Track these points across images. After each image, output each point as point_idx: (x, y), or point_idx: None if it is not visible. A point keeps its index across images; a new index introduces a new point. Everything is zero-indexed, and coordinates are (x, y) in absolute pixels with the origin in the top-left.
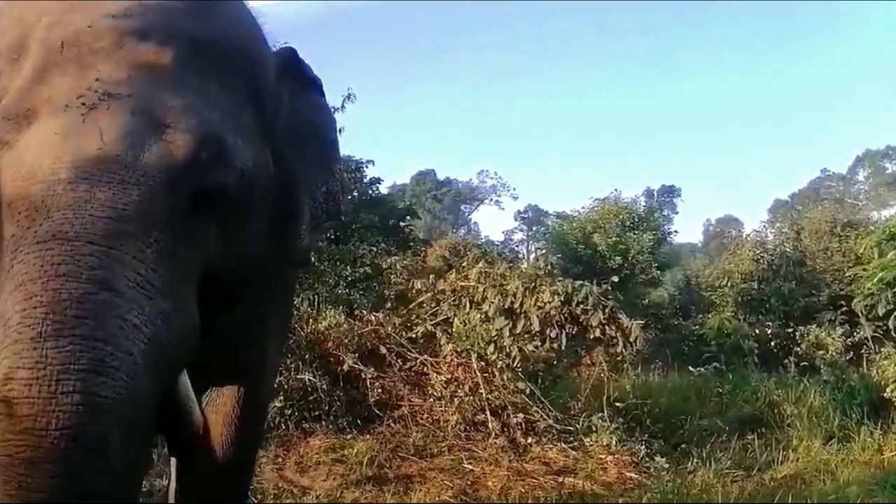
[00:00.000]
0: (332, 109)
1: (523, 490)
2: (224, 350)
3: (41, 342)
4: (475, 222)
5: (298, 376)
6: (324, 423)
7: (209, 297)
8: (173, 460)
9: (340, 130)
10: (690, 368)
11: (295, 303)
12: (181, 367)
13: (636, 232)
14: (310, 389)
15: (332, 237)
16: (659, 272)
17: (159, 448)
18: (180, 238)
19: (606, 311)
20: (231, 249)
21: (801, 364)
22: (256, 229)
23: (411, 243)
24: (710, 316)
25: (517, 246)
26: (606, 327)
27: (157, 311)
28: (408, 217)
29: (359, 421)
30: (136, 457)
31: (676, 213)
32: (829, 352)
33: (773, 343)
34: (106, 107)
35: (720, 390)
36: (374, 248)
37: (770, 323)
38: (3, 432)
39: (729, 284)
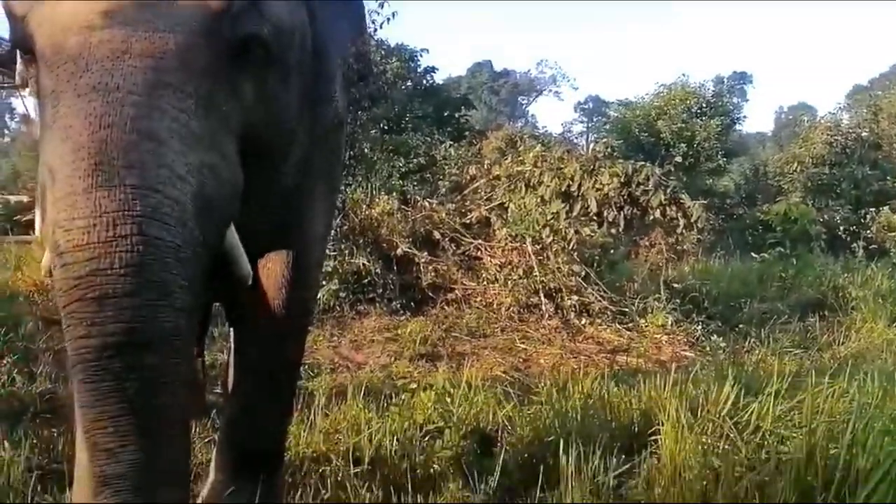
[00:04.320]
0: None
1: (575, 367)
2: (271, 219)
3: (93, 192)
4: (533, 115)
5: (353, 260)
6: (378, 304)
7: (252, 157)
8: (231, 332)
9: (393, 15)
10: (753, 255)
11: (345, 187)
12: (228, 220)
13: (703, 118)
14: (364, 273)
15: (385, 127)
16: (725, 160)
17: (219, 326)
18: (218, 89)
19: (668, 191)
20: (270, 105)
21: (870, 248)
22: (295, 86)
23: (466, 134)
24: (776, 202)
25: (576, 138)
26: (667, 209)
27: (200, 162)
28: (463, 107)
29: (412, 303)
30: (194, 305)
31: (747, 100)
32: None
33: (841, 228)
34: None
35: (783, 275)
36: (429, 139)
37: (839, 208)
38: (62, 281)
39: (798, 170)
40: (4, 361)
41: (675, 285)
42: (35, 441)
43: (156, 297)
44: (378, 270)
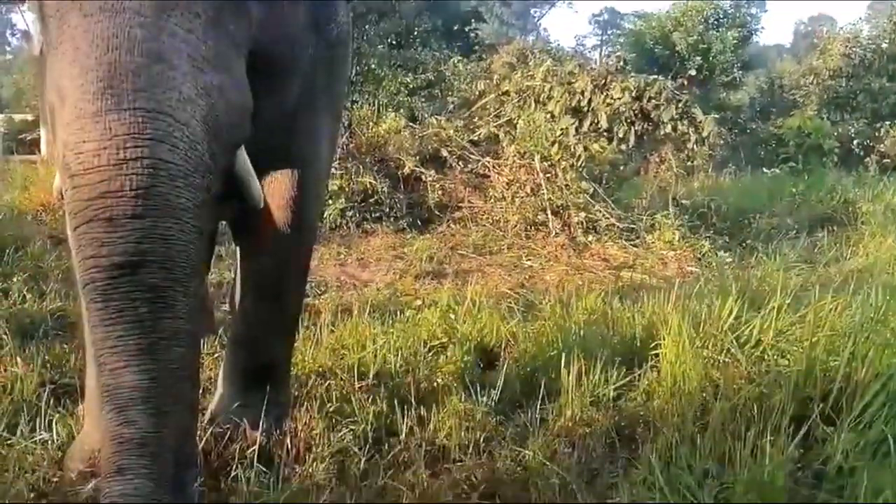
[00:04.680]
0: None
1: (580, 283)
2: (276, 138)
3: (103, 116)
4: (545, 28)
5: (359, 179)
6: (384, 223)
7: (258, 77)
8: (237, 250)
9: None
10: (764, 170)
11: (351, 104)
12: (238, 142)
13: (720, 30)
14: (370, 191)
15: (393, 42)
16: (741, 73)
17: (226, 245)
18: (226, 8)
19: (680, 106)
20: (276, 23)
21: (883, 162)
22: (300, 2)
23: (476, 48)
24: (791, 116)
25: (590, 52)
26: (678, 123)
27: (209, 84)
28: (473, 21)
29: (419, 222)
30: (204, 227)
31: (765, 10)
32: None
33: (855, 142)
34: None
35: (794, 190)
36: (437, 54)
37: (854, 122)
38: (73, 203)
39: (815, 82)
40: (14, 280)
41: (684, 201)
42: (47, 357)
43: (166, 220)
44: (385, 189)
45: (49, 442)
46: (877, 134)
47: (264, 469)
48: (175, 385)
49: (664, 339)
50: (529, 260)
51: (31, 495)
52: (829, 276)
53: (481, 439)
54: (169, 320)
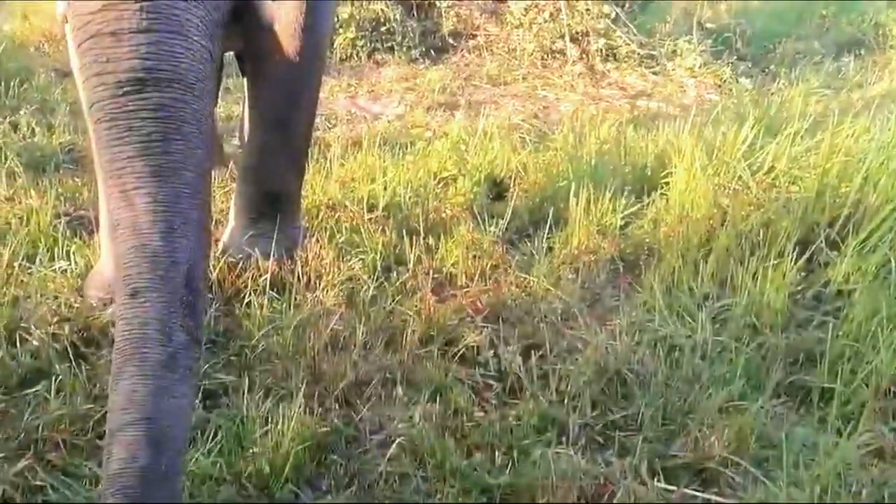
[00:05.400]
0: None
1: (595, 113)
2: None
3: None
4: None
5: (370, 6)
6: (396, 53)
7: None
8: (245, 82)
9: None
10: None
11: None
12: None
13: None
14: (382, 20)
15: None
16: None
17: (233, 77)
18: None
19: None
20: None
21: None
22: None
23: None
24: None
25: None
26: None
27: None
28: None
29: (432, 51)
30: (213, 50)
31: None
32: None
33: None
34: None
35: (824, 12)
36: None
37: None
38: (75, 18)
39: None
40: (22, 113)
41: (709, 25)
42: (60, 190)
43: (173, 35)
44: (397, 17)
45: (68, 270)
46: None
47: (277, 295)
48: (186, 209)
49: (675, 167)
50: (545, 90)
51: (54, 319)
52: (851, 101)
53: (487, 267)
54: (178, 142)
